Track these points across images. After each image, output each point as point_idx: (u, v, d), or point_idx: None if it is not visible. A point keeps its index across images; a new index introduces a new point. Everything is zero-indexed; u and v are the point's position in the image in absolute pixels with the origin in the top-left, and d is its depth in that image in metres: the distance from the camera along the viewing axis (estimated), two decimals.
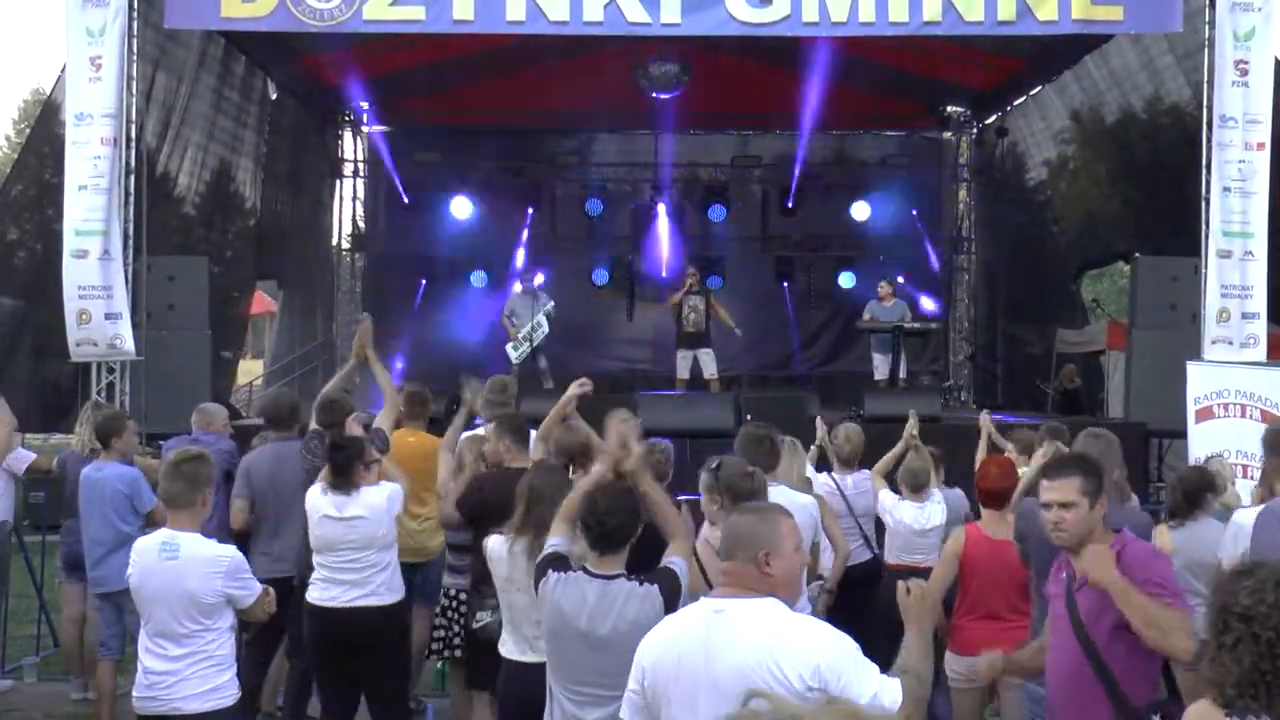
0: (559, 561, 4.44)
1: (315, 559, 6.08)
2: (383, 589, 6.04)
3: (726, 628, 3.41)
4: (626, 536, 4.41)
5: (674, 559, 4.47)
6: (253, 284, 17.46)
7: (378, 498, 5.99)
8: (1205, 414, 9.92)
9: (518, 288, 15.68)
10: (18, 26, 61.24)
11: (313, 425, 6.93)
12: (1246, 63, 10.79)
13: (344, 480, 5.93)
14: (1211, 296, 10.86)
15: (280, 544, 6.92)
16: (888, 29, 11.01)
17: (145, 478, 7.15)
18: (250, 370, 19.59)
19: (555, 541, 4.53)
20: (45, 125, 13.62)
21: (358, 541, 5.94)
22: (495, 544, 5.23)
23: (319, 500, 5.98)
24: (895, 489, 7.50)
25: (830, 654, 3.33)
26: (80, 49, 10.63)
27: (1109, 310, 17.88)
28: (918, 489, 7.34)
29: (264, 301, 20.47)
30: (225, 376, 15.08)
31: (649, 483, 4.68)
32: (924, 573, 5.91)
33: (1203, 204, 11.00)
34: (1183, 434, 10.40)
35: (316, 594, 6.06)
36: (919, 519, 7.26)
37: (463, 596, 6.54)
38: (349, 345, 18.70)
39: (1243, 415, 9.40)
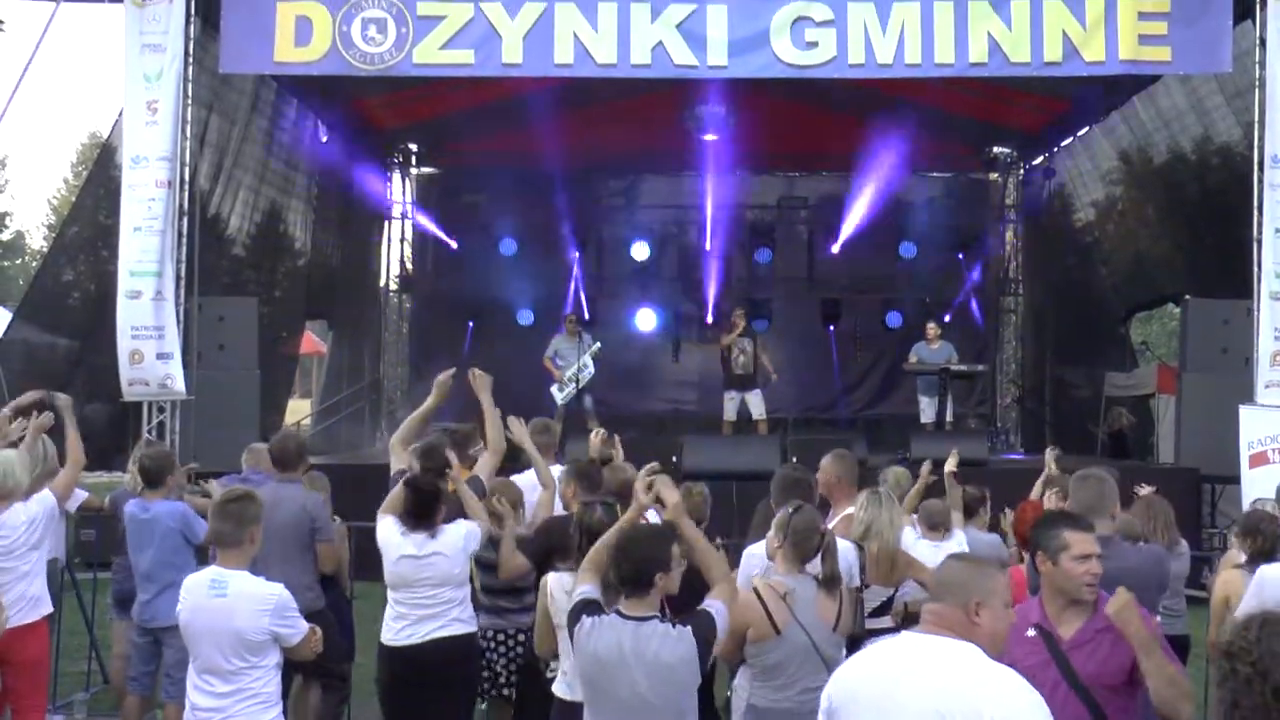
0: (591, 606, 4.46)
1: (391, 596, 6.15)
2: (456, 622, 6.11)
3: (925, 664, 3.39)
4: (650, 580, 4.41)
5: (714, 602, 4.48)
6: (302, 324, 17.63)
7: (455, 536, 6.06)
8: (1260, 459, 9.81)
9: (565, 329, 15.69)
10: (78, 73, 62.50)
11: (396, 466, 6.97)
12: None
13: (423, 520, 6.01)
14: (1264, 339, 10.73)
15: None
16: (934, 70, 11.04)
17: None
18: (298, 409, 19.73)
19: (585, 589, 4.55)
20: (102, 168, 13.87)
21: (434, 579, 6.02)
22: (556, 582, 5.27)
23: (396, 539, 6.04)
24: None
25: (1025, 710, 3.29)
26: (138, 93, 10.85)
27: (1159, 353, 17.73)
28: (934, 527, 7.26)
29: (312, 341, 20.66)
30: (274, 416, 15.21)
31: (689, 526, 4.70)
32: None
33: (1254, 245, 10.89)
34: (1236, 479, 10.26)
35: (390, 634, 6.11)
36: (934, 559, 7.16)
37: (500, 637, 6.65)
38: (396, 385, 18.97)
39: None
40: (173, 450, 9.03)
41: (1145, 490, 7.60)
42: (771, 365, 15.89)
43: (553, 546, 5.92)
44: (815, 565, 5.15)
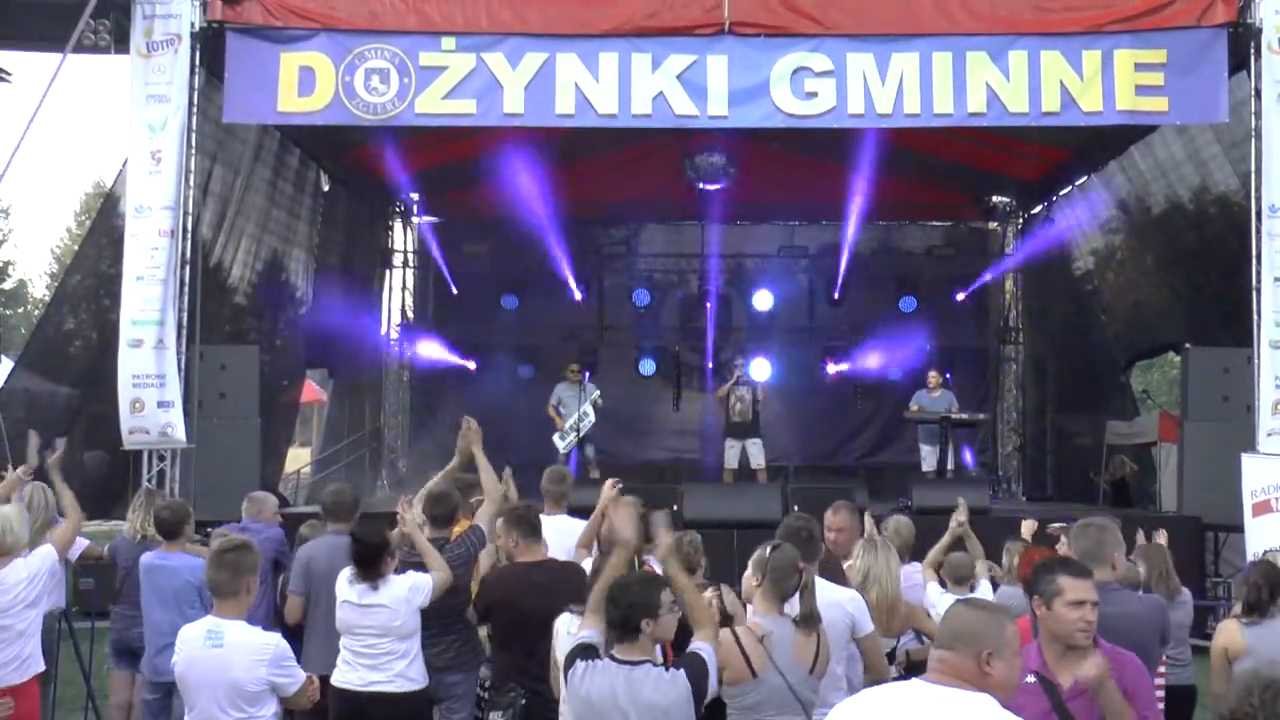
0: (587, 651, 4.48)
1: (341, 640, 6.20)
2: (400, 678, 6.10)
3: (939, 715, 3.32)
4: (638, 625, 4.44)
5: (701, 645, 4.51)
6: (303, 373, 17.62)
7: (400, 589, 6.09)
8: (1263, 508, 9.77)
9: (568, 377, 15.69)
10: (83, 122, 62.91)
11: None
12: None
13: (367, 572, 6.06)
14: (1266, 388, 10.72)
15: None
16: (933, 120, 11.11)
17: None
18: (298, 458, 19.68)
19: (587, 634, 4.55)
20: (105, 217, 13.92)
21: (375, 628, 6.07)
22: (563, 623, 5.30)
23: (344, 586, 6.13)
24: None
25: None
26: (142, 143, 10.92)
27: (1160, 402, 17.70)
28: (960, 581, 7.20)
29: (313, 390, 20.65)
30: (274, 464, 15.17)
31: (677, 570, 4.76)
32: None
33: (1253, 294, 10.91)
34: (1239, 528, 10.22)
35: (338, 675, 6.18)
36: None
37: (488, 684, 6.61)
38: (397, 434, 18.96)
39: None
40: (155, 493, 8.94)
41: (1157, 537, 7.54)
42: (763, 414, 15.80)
43: (495, 600, 6.10)
44: (794, 605, 5.13)
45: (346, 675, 6.15)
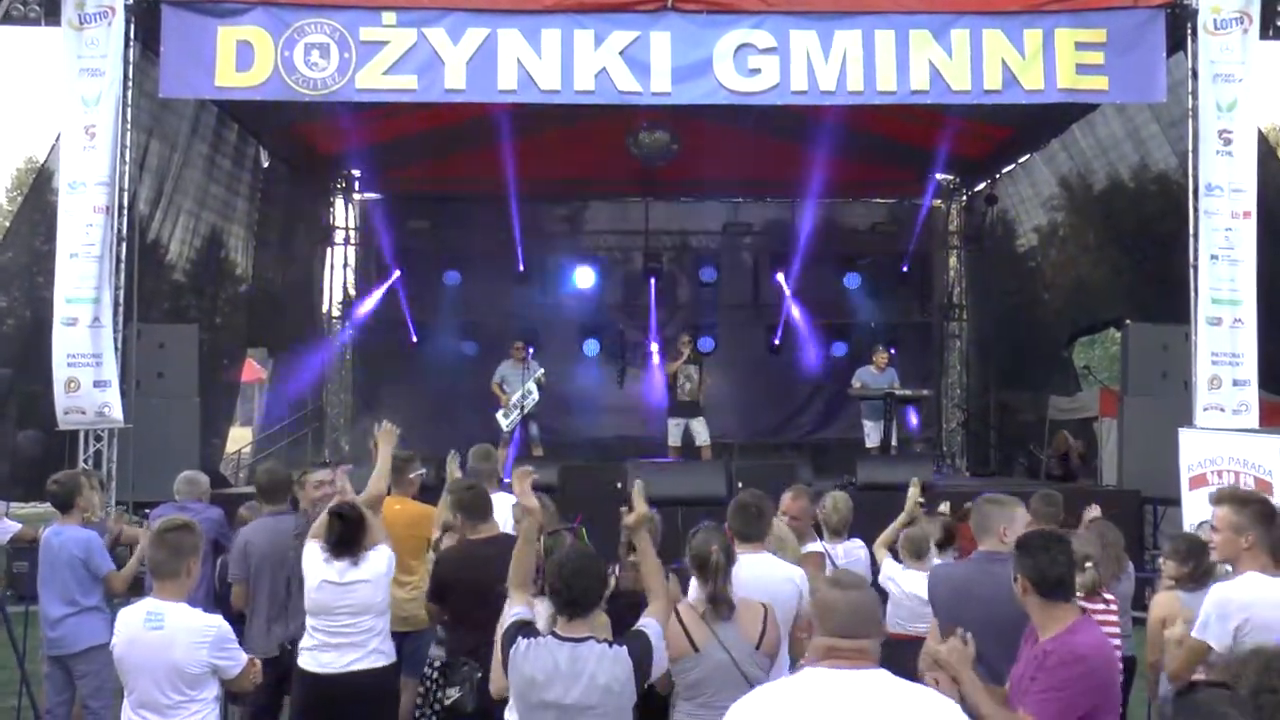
0: (527, 628, 4.49)
1: (310, 623, 6.05)
2: (376, 653, 6.02)
3: (877, 702, 3.33)
4: (594, 600, 4.50)
5: (648, 621, 4.55)
6: (243, 351, 17.46)
7: (378, 563, 6.00)
8: (1199, 481, 9.91)
9: (512, 355, 15.65)
10: (14, 96, 61.72)
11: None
12: (1230, 132, 10.95)
13: (348, 548, 5.94)
14: (1203, 364, 10.90)
15: (290, 617, 6.84)
16: (875, 98, 11.15)
17: (103, 542, 7.15)
18: (239, 438, 19.52)
19: (519, 610, 4.57)
20: (38, 193, 13.69)
21: (355, 606, 5.94)
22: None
23: (319, 566, 5.97)
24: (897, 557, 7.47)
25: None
26: (75, 117, 10.73)
27: (1101, 377, 17.95)
28: (920, 556, 7.30)
29: (254, 369, 20.45)
30: (214, 444, 15.04)
31: (644, 541, 4.80)
32: None
33: (1191, 271, 11.08)
34: (1177, 501, 10.39)
35: (310, 660, 6.02)
36: (924, 587, 7.20)
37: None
38: (340, 413, 18.84)
39: (1236, 482, 9.40)
40: (91, 474, 8.83)
41: (1093, 513, 7.66)
42: (704, 395, 15.88)
43: (446, 581, 6.09)
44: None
45: (323, 658, 5.96)
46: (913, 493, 7.79)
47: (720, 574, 5.04)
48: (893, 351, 16.46)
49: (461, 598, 6.15)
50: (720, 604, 5.01)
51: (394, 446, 6.85)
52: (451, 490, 6.58)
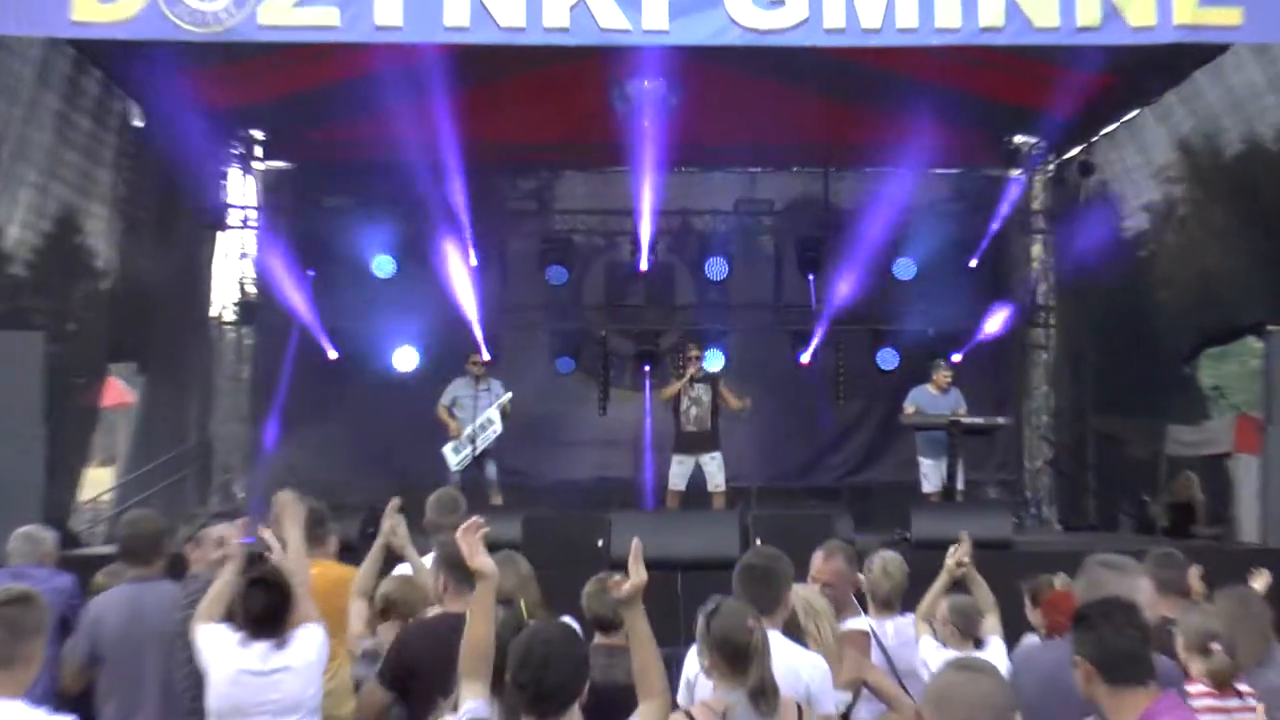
0: None
1: None
2: None
3: None
4: (572, 695, 4.44)
5: None
6: (104, 367, 17.41)
7: (309, 645, 5.99)
8: None
9: (470, 369, 15.60)
10: None
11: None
12: None
13: (271, 626, 5.92)
14: None
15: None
16: (933, 36, 11.11)
17: None
18: (98, 481, 19.45)
19: (473, 706, 4.53)
20: None
21: (280, 704, 5.90)
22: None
23: (230, 653, 5.94)
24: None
25: None
26: None
27: (1236, 401, 17.94)
28: (968, 634, 7.26)
29: (118, 390, 20.39)
30: (64, 489, 14.98)
31: (640, 619, 4.82)
32: None
33: None
34: None
35: None
36: None
37: None
38: (233, 449, 18.80)
39: None
40: None
41: (1261, 580, 7.64)
42: (738, 397, 15.83)
43: (415, 668, 5.98)
44: None
45: None
46: (961, 550, 7.70)
47: (763, 659, 5.05)
48: (957, 366, 16.45)
49: (433, 685, 6.05)
50: (768, 695, 5.02)
51: (301, 511, 6.82)
52: (444, 545, 6.50)
